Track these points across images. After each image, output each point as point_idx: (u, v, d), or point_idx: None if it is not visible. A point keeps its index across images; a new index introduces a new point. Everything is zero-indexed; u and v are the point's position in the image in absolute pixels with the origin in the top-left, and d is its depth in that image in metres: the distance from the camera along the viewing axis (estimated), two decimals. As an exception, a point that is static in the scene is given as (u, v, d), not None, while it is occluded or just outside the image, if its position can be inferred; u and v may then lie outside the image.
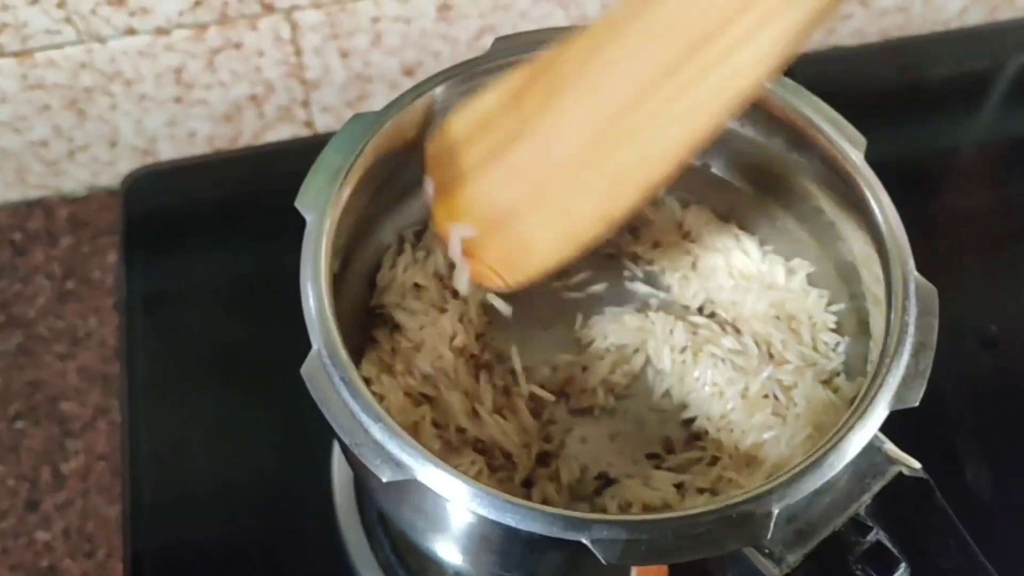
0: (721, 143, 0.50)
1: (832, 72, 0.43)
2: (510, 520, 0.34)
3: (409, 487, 0.35)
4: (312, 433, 0.54)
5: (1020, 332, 0.61)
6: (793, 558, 0.35)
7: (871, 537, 0.36)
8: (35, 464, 0.62)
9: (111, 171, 0.73)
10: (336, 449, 0.56)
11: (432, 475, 0.34)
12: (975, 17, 0.83)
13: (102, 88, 0.68)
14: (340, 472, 0.54)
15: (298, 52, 0.70)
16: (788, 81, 0.46)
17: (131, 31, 0.65)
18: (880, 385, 0.37)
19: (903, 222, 0.42)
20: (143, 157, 0.73)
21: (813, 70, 0.67)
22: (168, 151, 0.73)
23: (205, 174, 0.69)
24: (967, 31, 0.81)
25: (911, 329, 0.38)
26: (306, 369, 0.36)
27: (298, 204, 0.40)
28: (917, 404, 0.37)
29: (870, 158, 0.44)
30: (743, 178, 0.51)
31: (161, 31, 0.66)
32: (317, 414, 0.36)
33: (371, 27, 0.70)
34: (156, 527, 0.55)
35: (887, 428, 0.38)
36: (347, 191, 0.41)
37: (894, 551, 0.35)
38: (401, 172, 0.47)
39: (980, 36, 0.81)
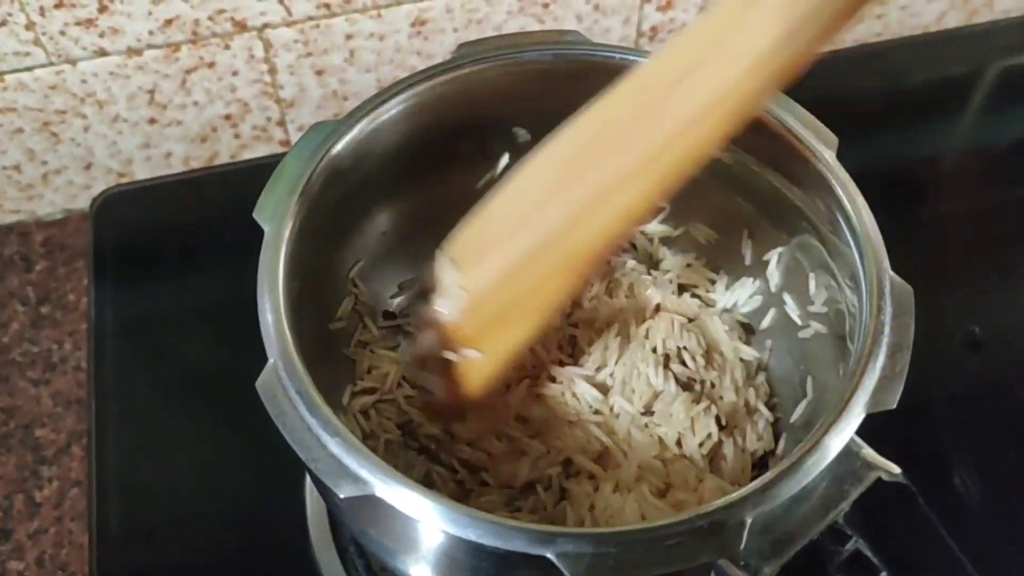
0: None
1: (809, 79, 0.43)
2: (471, 535, 0.32)
3: (370, 503, 0.34)
4: (285, 456, 0.53)
5: (1004, 335, 0.60)
6: (769, 569, 0.34)
7: (850, 546, 0.34)
8: (8, 492, 0.60)
9: (87, 194, 0.72)
10: (309, 477, 0.54)
11: (390, 490, 0.33)
12: (953, 23, 0.83)
13: (74, 110, 0.67)
14: (313, 494, 0.53)
15: (272, 71, 0.69)
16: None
17: (102, 52, 0.64)
18: (856, 387, 0.36)
19: (884, 229, 0.41)
20: (118, 179, 0.72)
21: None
22: (143, 173, 0.72)
23: (178, 193, 0.68)
24: (946, 37, 0.81)
25: (887, 329, 0.37)
26: (261, 383, 0.35)
27: (256, 215, 0.39)
28: (894, 406, 0.36)
29: (851, 165, 0.43)
30: (718, 179, 0.50)
31: (132, 51, 0.65)
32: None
33: (345, 44, 0.69)
34: (125, 554, 0.53)
35: (871, 434, 0.37)
36: (307, 201, 0.40)
37: (874, 560, 0.34)
38: (372, 179, 0.46)
39: (959, 42, 0.80)
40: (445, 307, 0.41)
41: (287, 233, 0.39)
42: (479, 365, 0.41)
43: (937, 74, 0.78)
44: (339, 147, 0.42)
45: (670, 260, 0.54)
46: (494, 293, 0.40)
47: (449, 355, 0.41)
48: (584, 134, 0.37)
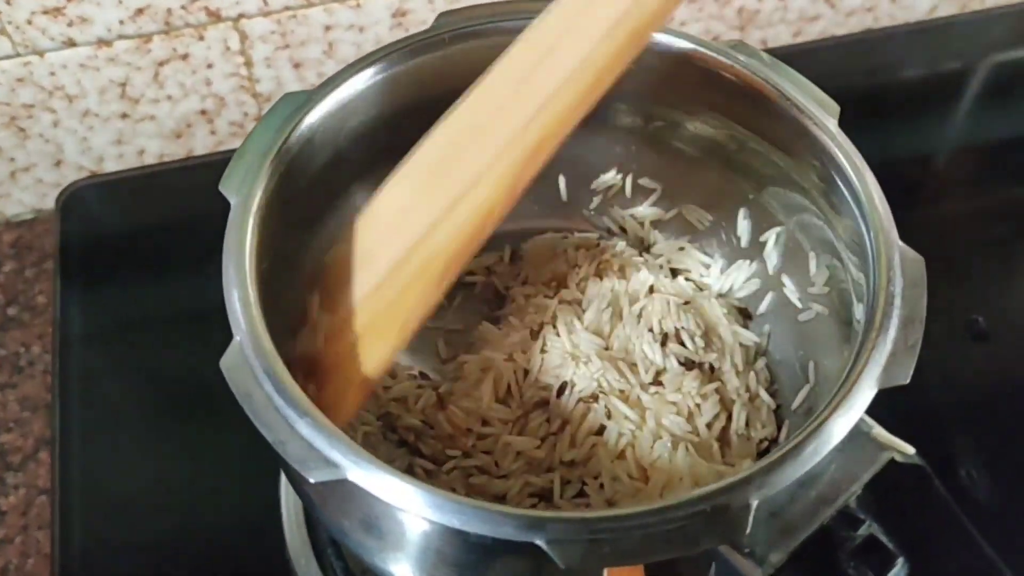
0: (688, 122, 0.48)
1: (799, 71, 0.42)
2: (455, 521, 0.30)
3: (343, 489, 0.31)
4: (259, 460, 0.50)
5: (1006, 324, 0.59)
6: (777, 557, 0.31)
7: (863, 531, 0.32)
8: (-28, 501, 0.58)
9: (56, 192, 0.69)
10: (284, 475, 0.52)
11: (365, 473, 0.30)
12: (945, 14, 0.82)
13: (43, 104, 0.65)
14: (288, 497, 0.51)
15: (248, 63, 0.67)
16: (757, 51, 0.44)
17: (70, 42, 0.62)
18: (866, 362, 0.34)
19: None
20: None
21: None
22: (115, 170, 0.70)
23: (150, 188, 0.66)
24: (938, 28, 0.80)
25: (897, 301, 0.35)
26: (226, 361, 0.33)
27: (222, 187, 0.37)
28: (907, 381, 0.33)
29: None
30: (712, 157, 0.48)
31: (102, 42, 0.63)
32: (263, 441, 0.32)
33: (324, 36, 0.67)
34: (90, 565, 0.51)
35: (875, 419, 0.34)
36: (277, 173, 0.38)
37: (889, 545, 0.32)
38: (347, 155, 0.44)
39: (951, 33, 0.79)
40: (307, 339, 0.40)
41: (255, 206, 0.37)
42: (347, 390, 0.39)
43: (929, 68, 0.77)
44: (311, 118, 0.40)
45: (662, 244, 0.52)
46: (357, 313, 0.38)
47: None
48: (444, 136, 0.37)
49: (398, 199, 0.38)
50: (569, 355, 0.45)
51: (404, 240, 0.37)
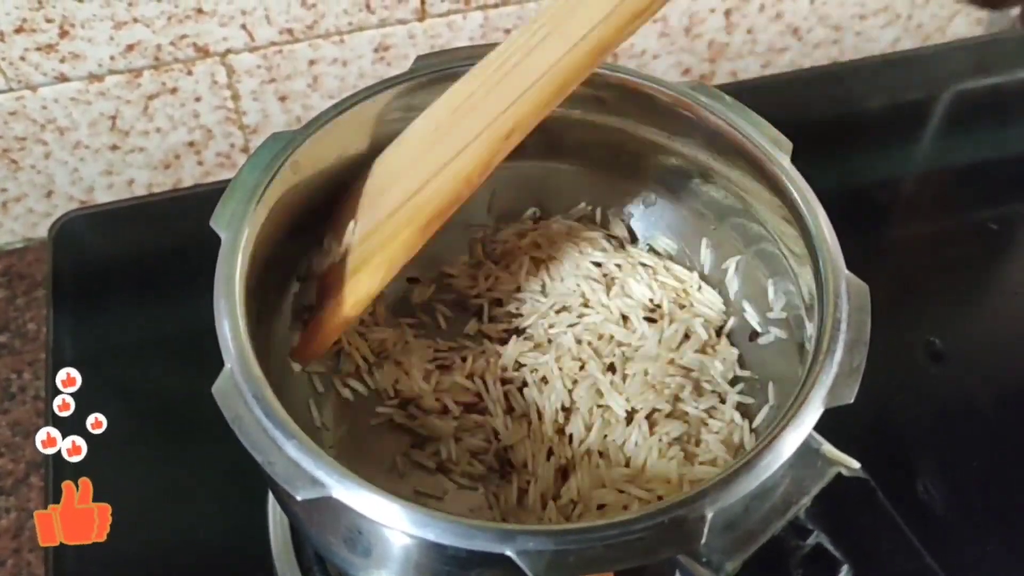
0: (654, 158, 0.50)
1: (765, 102, 0.44)
2: (431, 534, 0.32)
3: (328, 507, 0.33)
4: (248, 483, 0.52)
5: (961, 347, 0.61)
6: (731, 565, 0.34)
7: (811, 540, 0.34)
8: (-36, 524, 0.59)
9: (47, 222, 0.71)
10: (272, 496, 0.53)
11: (348, 491, 0.33)
12: (907, 47, 0.85)
13: (34, 136, 0.67)
14: (277, 517, 0.52)
15: (235, 97, 0.69)
16: (717, 92, 0.46)
17: (62, 77, 0.64)
18: (813, 383, 0.36)
19: (842, 251, 0.42)
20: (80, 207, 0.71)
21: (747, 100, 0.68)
22: (105, 200, 0.72)
23: (140, 218, 0.67)
24: (900, 61, 0.83)
25: (843, 326, 0.38)
26: (218, 388, 0.35)
27: (213, 223, 0.39)
28: (852, 401, 0.36)
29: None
30: (677, 190, 0.51)
31: (94, 77, 0.65)
32: (251, 463, 0.35)
33: (308, 70, 0.69)
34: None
35: (833, 441, 0.37)
36: (265, 209, 0.40)
37: (836, 554, 0.34)
38: (331, 192, 0.46)
39: (913, 66, 0.82)
40: (317, 263, 0.46)
41: (243, 241, 0.39)
42: (334, 315, 0.45)
43: (893, 98, 0.80)
44: (296, 157, 0.42)
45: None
46: (356, 248, 0.45)
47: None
48: (442, 109, 0.44)
49: (401, 157, 0.45)
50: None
51: (402, 191, 0.44)
